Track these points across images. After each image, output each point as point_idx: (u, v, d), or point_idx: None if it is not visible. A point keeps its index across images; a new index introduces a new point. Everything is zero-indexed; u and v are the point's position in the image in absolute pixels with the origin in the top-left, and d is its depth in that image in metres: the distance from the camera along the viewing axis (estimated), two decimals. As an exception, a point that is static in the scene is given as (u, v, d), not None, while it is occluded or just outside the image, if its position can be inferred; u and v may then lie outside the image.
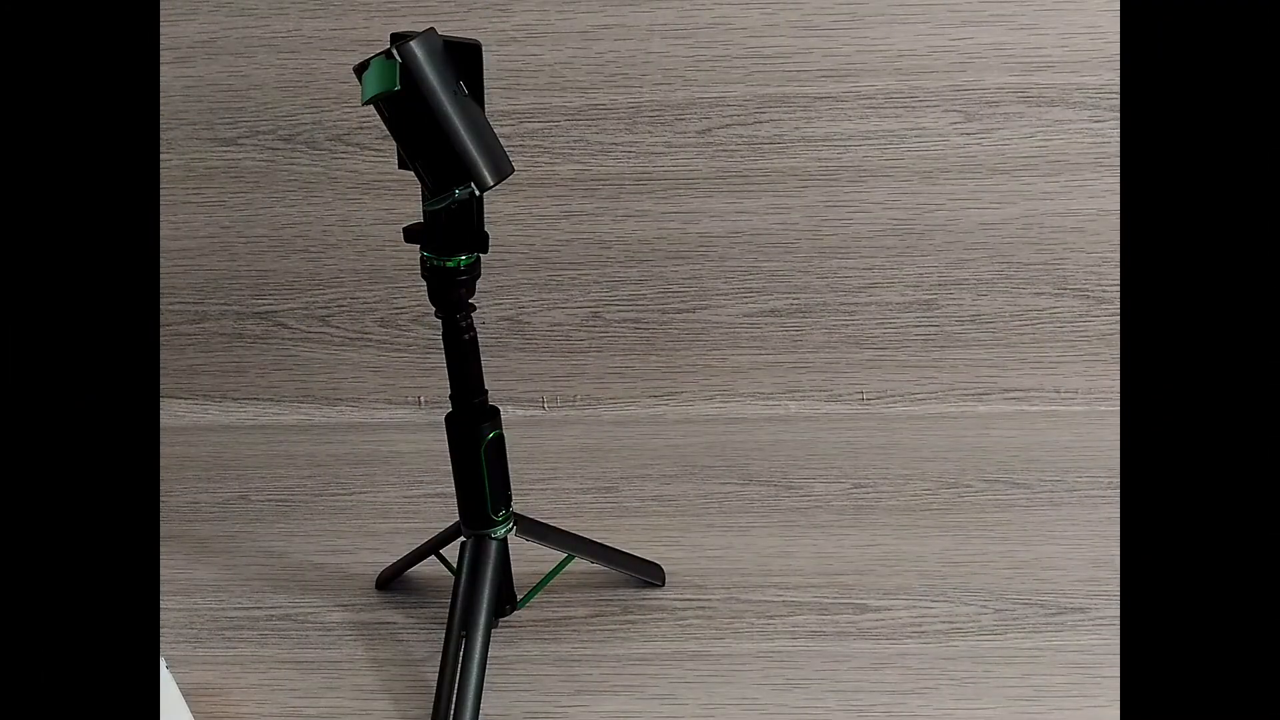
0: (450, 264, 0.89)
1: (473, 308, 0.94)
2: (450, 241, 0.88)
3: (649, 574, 1.19)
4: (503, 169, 0.84)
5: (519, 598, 1.14)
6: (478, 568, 1.03)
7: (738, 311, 1.51)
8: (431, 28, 0.81)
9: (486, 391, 1.00)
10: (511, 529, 1.06)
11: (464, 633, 1.01)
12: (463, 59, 0.82)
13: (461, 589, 1.03)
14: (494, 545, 1.04)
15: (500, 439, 1.01)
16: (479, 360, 0.98)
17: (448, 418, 1.00)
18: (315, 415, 1.57)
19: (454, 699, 0.98)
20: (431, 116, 0.80)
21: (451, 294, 0.92)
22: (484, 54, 0.84)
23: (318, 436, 1.53)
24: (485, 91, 0.85)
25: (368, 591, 1.21)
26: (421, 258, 0.90)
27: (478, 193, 0.83)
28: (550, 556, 1.13)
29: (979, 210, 1.44)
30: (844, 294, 1.49)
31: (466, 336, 0.95)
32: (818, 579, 1.20)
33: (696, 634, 1.12)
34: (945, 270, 1.48)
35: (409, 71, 0.78)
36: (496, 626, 1.11)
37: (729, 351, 1.53)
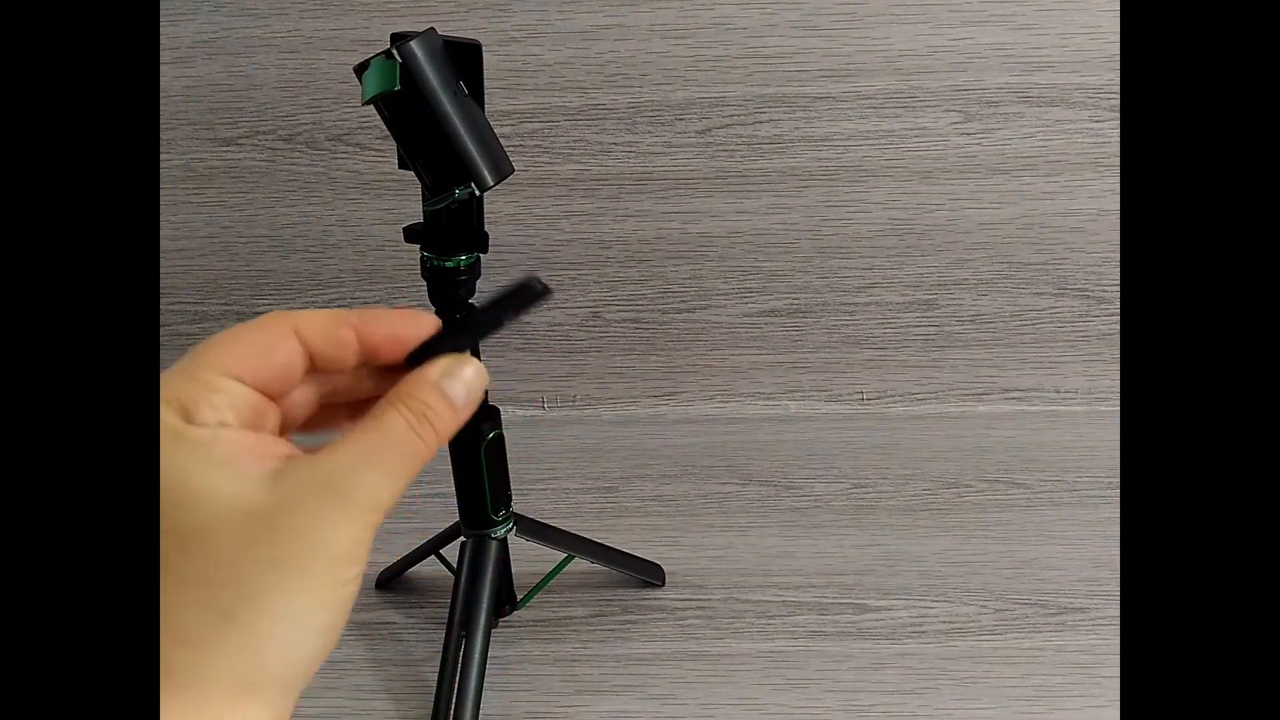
0: (450, 264, 0.89)
1: (473, 308, 0.94)
2: (450, 241, 0.88)
3: (649, 574, 1.19)
4: (503, 169, 0.84)
5: (519, 598, 1.14)
6: (478, 568, 1.03)
7: (738, 311, 1.51)
8: (431, 28, 0.81)
9: (487, 391, 0.99)
10: (511, 529, 1.06)
11: (464, 632, 1.01)
12: (463, 59, 0.82)
13: (461, 589, 1.03)
14: (494, 545, 1.04)
15: (500, 439, 1.01)
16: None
17: (448, 418, 1.00)
18: (315, 415, 1.56)
19: (454, 699, 0.98)
20: (431, 116, 0.80)
21: (451, 294, 0.92)
22: (484, 54, 0.84)
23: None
24: (485, 91, 0.85)
25: (368, 591, 1.20)
26: (421, 258, 0.90)
27: (478, 193, 0.83)
28: (550, 556, 1.13)
29: (979, 210, 1.44)
30: (844, 294, 1.49)
31: (466, 336, 0.95)
32: (818, 579, 1.20)
33: (696, 634, 1.12)
34: (945, 270, 1.48)
35: (409, 71, 0.77)
36: (496, 626, 1.11)
37: (729, 351, 1.53)
